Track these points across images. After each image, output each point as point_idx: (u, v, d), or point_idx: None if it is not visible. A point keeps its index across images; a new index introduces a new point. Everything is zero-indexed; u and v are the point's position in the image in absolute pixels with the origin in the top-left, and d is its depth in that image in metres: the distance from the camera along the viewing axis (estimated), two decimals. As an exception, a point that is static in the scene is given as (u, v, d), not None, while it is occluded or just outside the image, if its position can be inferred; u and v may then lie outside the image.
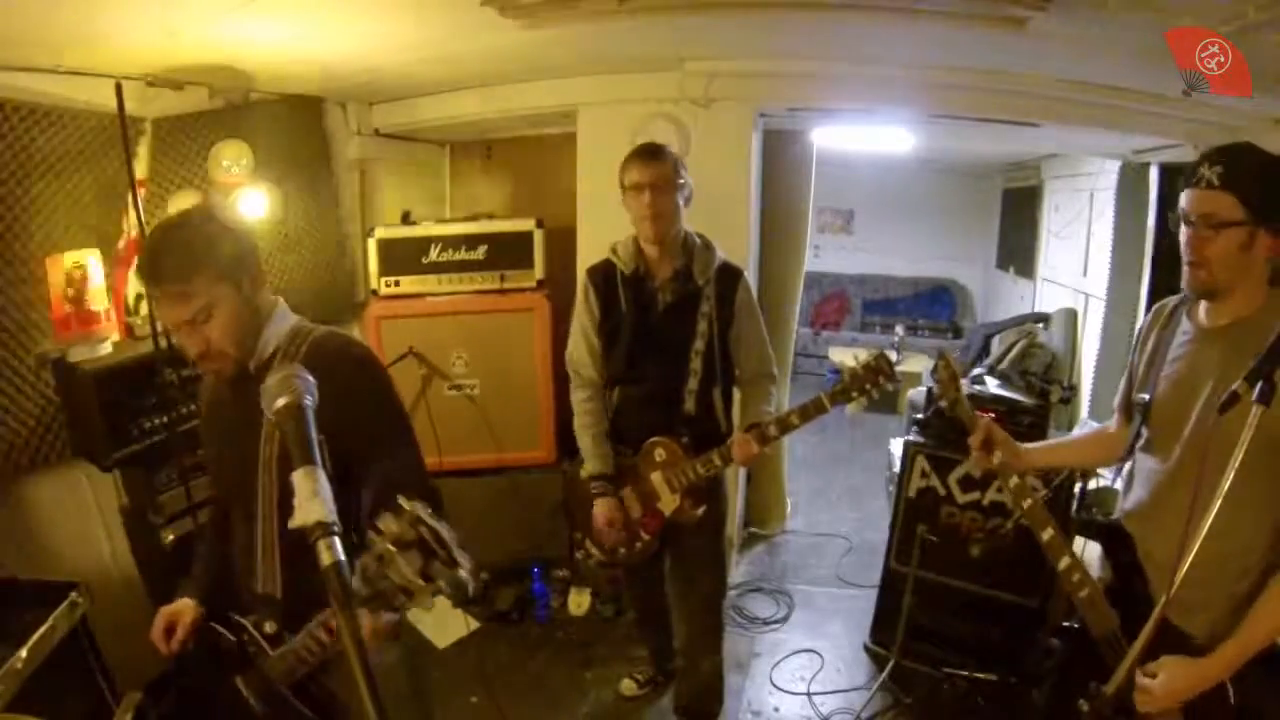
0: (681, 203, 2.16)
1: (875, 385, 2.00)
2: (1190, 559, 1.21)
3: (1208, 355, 1.41)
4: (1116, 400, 1.70)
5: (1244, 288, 1.36)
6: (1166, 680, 1.33)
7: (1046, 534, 1.58)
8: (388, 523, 0.90)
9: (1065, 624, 1.61)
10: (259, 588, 1.41)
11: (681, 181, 2.15)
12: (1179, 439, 1.43)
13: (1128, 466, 1.60)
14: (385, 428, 1.42)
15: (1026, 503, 1.62)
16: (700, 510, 2.20)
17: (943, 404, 1.82)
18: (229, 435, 1.43)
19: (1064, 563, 1.54)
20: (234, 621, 1.45)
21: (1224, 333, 1.40)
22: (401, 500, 0.91)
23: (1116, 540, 1.57)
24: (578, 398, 2.30)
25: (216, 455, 1.53)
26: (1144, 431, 1.54)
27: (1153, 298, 3.17)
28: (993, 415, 2.75)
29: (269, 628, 1.41)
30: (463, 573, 0.91)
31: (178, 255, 1.28)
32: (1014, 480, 1.66)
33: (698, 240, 2.22)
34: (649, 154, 2.15)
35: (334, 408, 1.30)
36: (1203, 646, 1.37)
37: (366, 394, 1.40)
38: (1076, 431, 3.61)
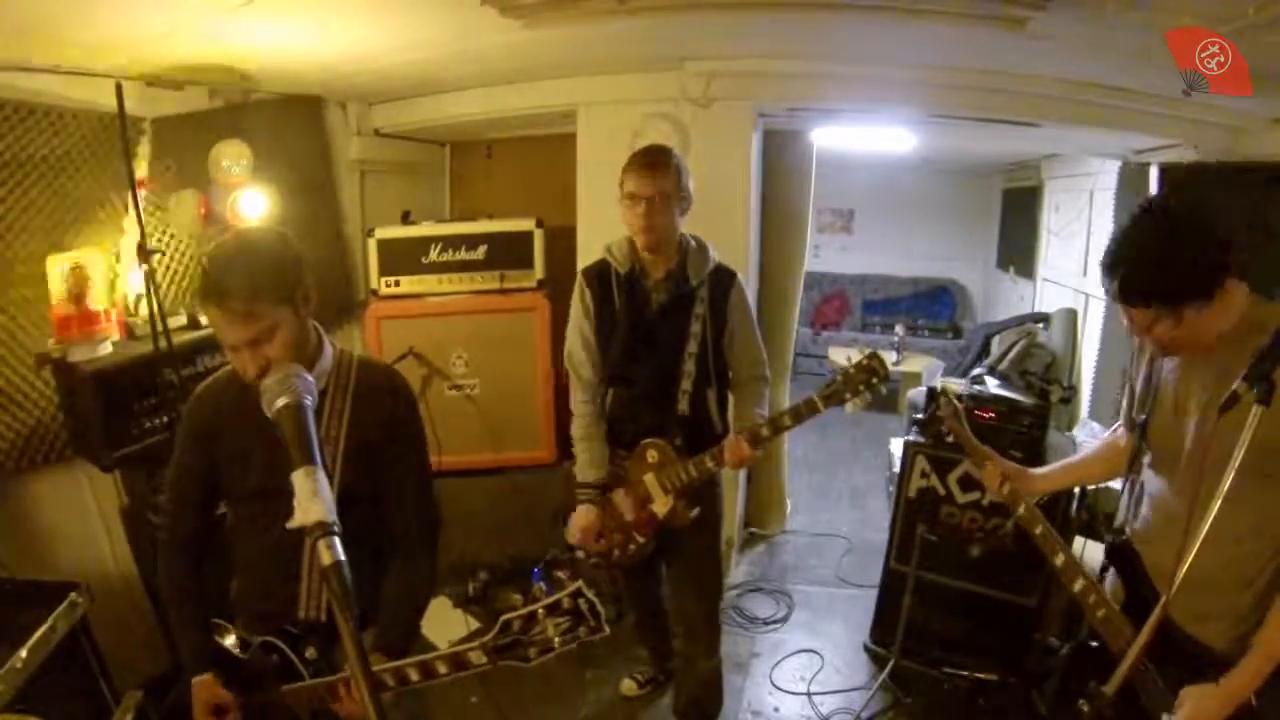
0: (678, 214, 2.12)
1: (869, 386, 1.98)
2: (1189, 562, 1.21)
3: (1197, 374, 1.42)
4: (1121, 412, 1.70)
5: (1206, 333, 1.36)
6: (1191, 712, 1.33)
7: (1059, 559, 1.58)
8: (539, 589, 1.12)
9: (1089, 643, 1.60)
10: (301, 611, 1.45)
11: (681, 194, 2.10)
12: (1179, 458, 1.44)
13: (1135, 484, 1.59)
14: (419, 465, 1.57)
15: (1038, 529, 1.63)
16: (694, 512, 2.20)
17: (950, 440, 1.82)
18: (266, 451, 1.37)
19: (1079, 585, 1.54)
20: (270, 643, 1.44)
21: (1213, 354, 1.39)
22: (563, 575, 1.13)
23: (1127, 559, 1.56)
24: (576, 399, 2.29)
25: (243, 468, 1.46)
26: (1145, 451, 1.54)
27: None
28: (992, 415, 2.77)
29: (310, 653, 1.42)
30: (606, 631, 1.17)
31: (243, 277, 1.28)
32: (1023, 508, 1.66)
33: (692, 242, 2.21)
34: (650, 164, 2.07)
35: (381, 434, 1.46)
36: (1221, 654, 1.37)
37: (411, 428, 1.55)
38: (1079, 432, 3.61)
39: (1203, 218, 1.32)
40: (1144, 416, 1.52)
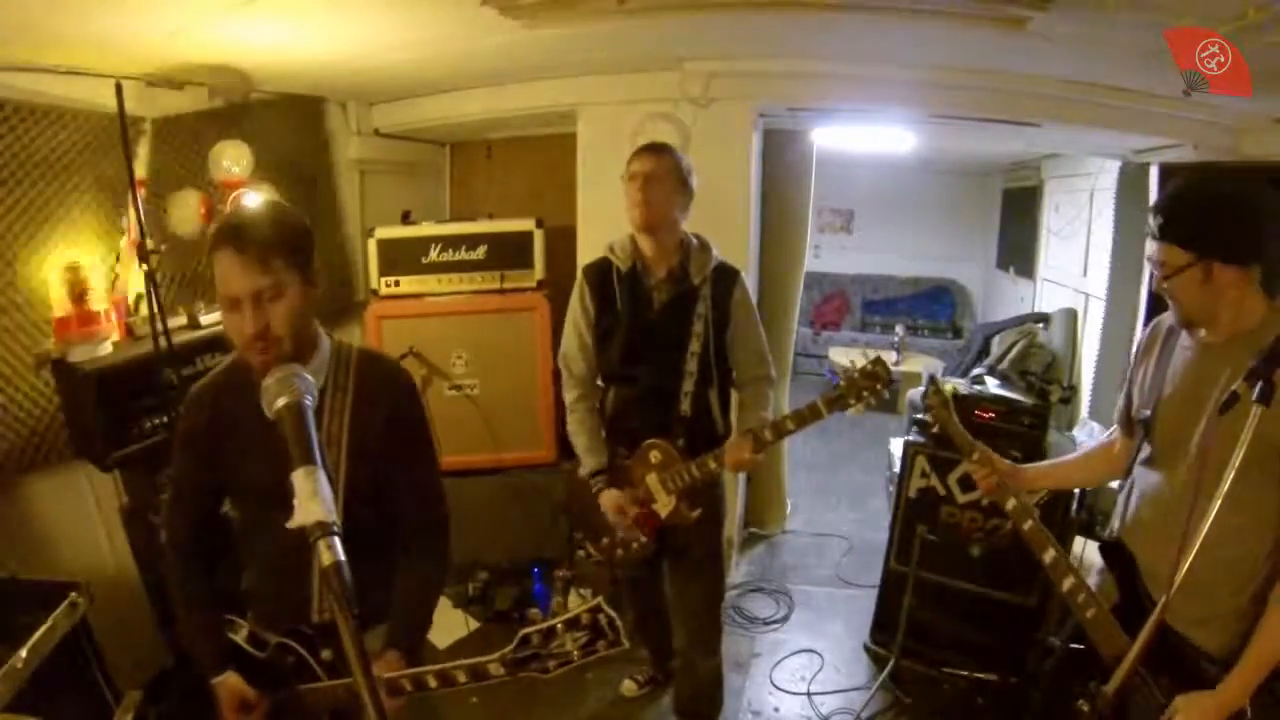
0: (679, 207, 2.15)
1: (872, 391, 1.99)
2: (1188, 566, 1.21)
3: (1211, 370, 1.40)
4: (1117, 415, 1.69)
5: (1227, 311, 1.37)
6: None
7: (1048, 556, 1.58)
8: (559, 603, 1.12)
9: (1072, 645, 1.60)
10: (315, 615, 1.42)
11: (683, 183, 2.15)
12: (1185, 455, 1.42)
13: (1128, 483, 1.58)
14: (425, 457, 1.53)
15: (1027, 524, 1.62)
16: (696, 512, 2.20)
17: (935, 429, 1.82)
18: (268, 449, 1.31)
19: (1068, 583, 1.53)
20: (286, 643, 1.43)
21: (1225, 347, 1.39)
22: (564, 574, 1.12)
23: (1120, 558, 1.56)
24: (569, 397, 2.29)
25: (242, 469, 1.43)
26: (1146, 448, 1.53)
27: (1152, 298, 3.16)
28: (992, 415, 2.77)
29: (325, 654, 1.41)
30: (626, 645, 1.17)
31: (267, 227, 1.30)
32: (1012, 502, 1.65)
33: (694, 241, 2.21)
34: (653, 148, 2.18)
35: (385, 430, 1.43)
36: (1216, 659, 1.36)
37: (416, 421, 1.51)
38: (1079, 432, 3.61)
39: (1258, 194, 1.37)
40: (1148, 412, 1.51)
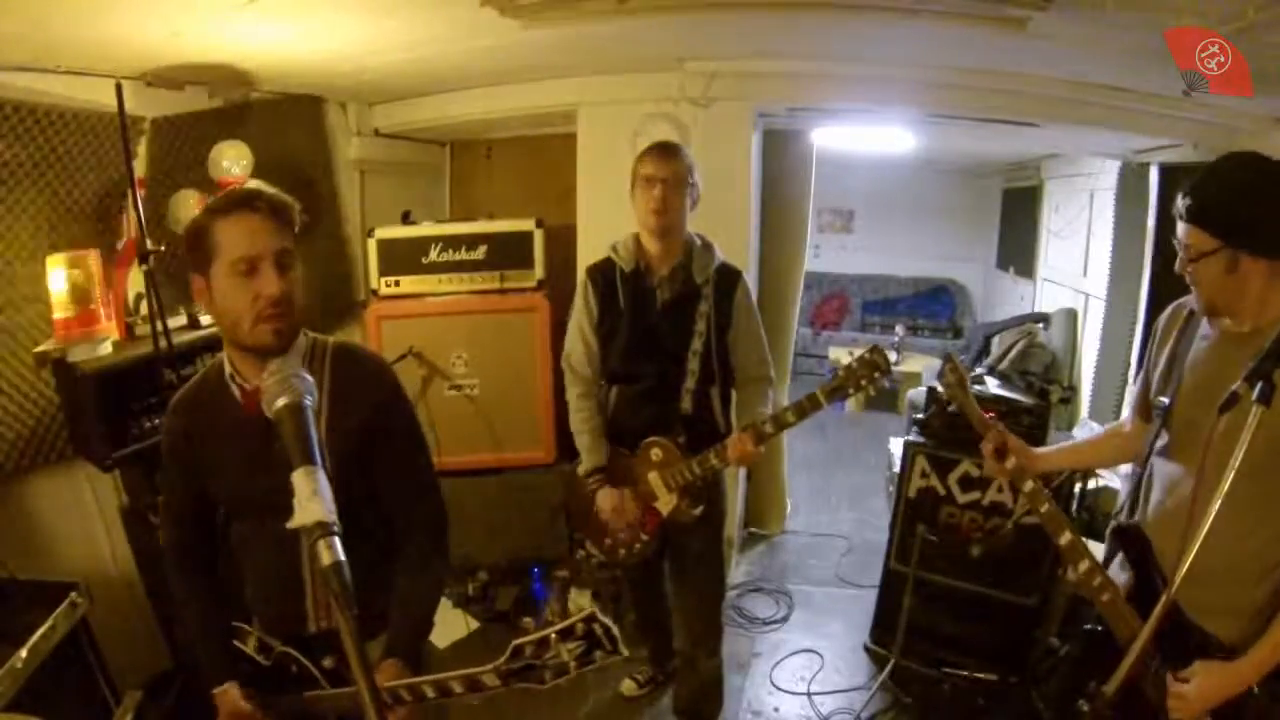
0: (689, 204, 2.16)
1: (870, 381, 1.97)
2: (1205, 558, 1.20)
3: (1233, 359, 1.36)
4: (1133, 399, 1.67)
5: (1252, 301, 1.34)
6: (1200, 685, 1.33)
7: (1064, 538, 1.56)
8: (553, 610, 1.08)
9: (1087, 627, 1.59)
10: (311, 625, 1.40)
11: (692, 183, 2.16)
12: (1199, 444, 1.40)
13: (1146, 470, 1.57)
14: (415, 459, 1.47)
15: (1044, 508, 1.61)
16: (698, 510, 2.20)
17: (952, 408, 1.80)
18: (249, 456, 1.32)
19: (1083, 566, 1.52)
20: (289, 652, 1.42)
21: (1247, 339, 1.36)
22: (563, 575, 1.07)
23: (1135, 545, 1.54)
24: (572, 394, 2.30)
25: (222, 476, 1.40)
26: (1164, 435, 1.51)
27: (1152, 298, 3.17)
28: (993, 415, 2.76)
29: (327, 663, 1.39)
30: (624, 654, 1.12)
31: (277, 196, 1.28)
32: (1029, 485, 1.64)
33: (697, 241, 2.22)
34: (666, 150, 2.16)
35: (366, 434, 1.37)
36: (1228, 649, 1.36)
37: (400, 422, 1.45)
38: (1079, 432, 3.61)
39: None
40: (1166, 400, 1.48)
